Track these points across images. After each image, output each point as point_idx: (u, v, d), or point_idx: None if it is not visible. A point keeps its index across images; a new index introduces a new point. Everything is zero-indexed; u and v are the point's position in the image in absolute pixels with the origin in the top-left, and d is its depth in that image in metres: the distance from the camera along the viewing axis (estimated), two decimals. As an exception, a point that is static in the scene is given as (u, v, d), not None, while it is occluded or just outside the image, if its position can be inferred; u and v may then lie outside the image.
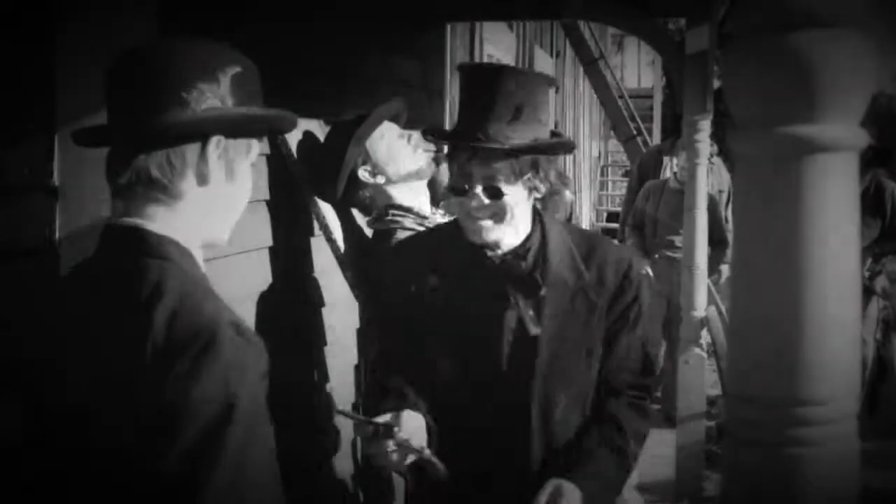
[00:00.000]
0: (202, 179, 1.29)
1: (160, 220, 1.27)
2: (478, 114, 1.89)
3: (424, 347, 1.93)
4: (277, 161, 2.54)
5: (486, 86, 1.90)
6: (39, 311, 1.33)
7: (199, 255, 1.32)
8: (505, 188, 1.89)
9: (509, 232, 1.95)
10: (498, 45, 6.70)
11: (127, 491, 1.18)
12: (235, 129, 1.30)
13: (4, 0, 1.72)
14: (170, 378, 1.14)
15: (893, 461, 4.83)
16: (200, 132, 1.26)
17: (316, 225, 2.73)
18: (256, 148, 1.38)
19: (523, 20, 7.54)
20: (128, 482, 1.17)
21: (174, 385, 1.14)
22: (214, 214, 1.34)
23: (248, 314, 2.41)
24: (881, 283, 5.81)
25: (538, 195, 1.96)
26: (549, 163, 1.93)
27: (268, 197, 2.51)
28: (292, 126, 1.44)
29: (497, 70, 1.97)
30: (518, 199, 1.92)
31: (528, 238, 1.97)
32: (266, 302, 2.46)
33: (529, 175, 1.90)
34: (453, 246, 1.98)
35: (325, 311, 2.79)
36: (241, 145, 1.34)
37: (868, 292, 5.63)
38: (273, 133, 1.44)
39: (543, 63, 9.12)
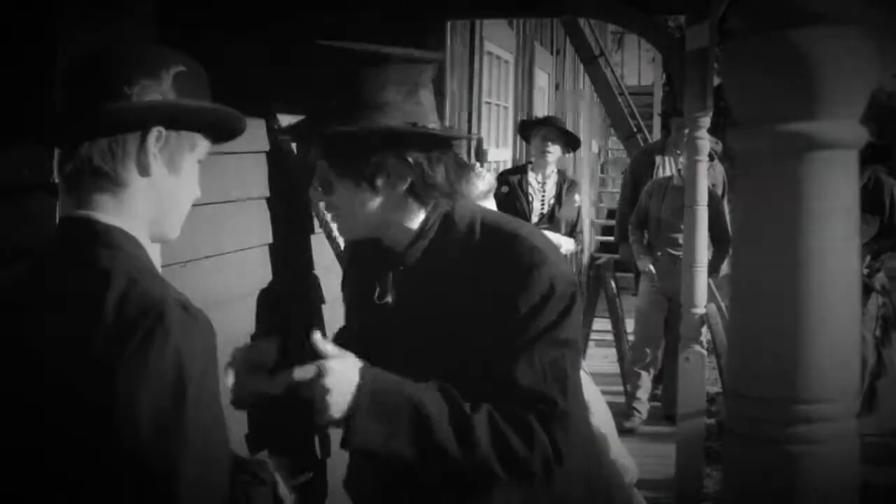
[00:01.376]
0: (143, 170, 1.34)
1: (107, 210, 1.32)
2: (317, 98, 1.70)
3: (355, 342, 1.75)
4: (277, 159, 2.54)
5: (322, 67, 1.70)
6: None
7: (146, 245, 1.37)
8: (334, 182, 1.68)
9: (366, 228, 1.73)
10: (498, 42, 6.70)
11: (89, 481, 1.22)
12: (174, 120, 1.36)
13: (4, 1, 1.72)
14: (122, 360, 1.19)
15: (893, 457, 4.83)
16: (139, 121, 1.32)
17: (316, 223, 2.73)
18: (203, 146, 1.42)
19: (523, 18, 7.54)
20: (88, 472, 1.22)
21: (126, 365, 1.19)
22: (159, 207, 1.38)
23: (247, 311, 2.41)
24: (880, 280, 5.80)
25: (384, 192, 1.67)
26: (393, 157, 1.65)
27: (268, 194, 2.51)
28: (240, 124, 1.47)
29: (334, 50, 1.68)
30: (352, 195, 1.67)
31: (417, 235, 1.71)
32: (266, 299, 2.46)
33: (366, 169, 1.64)
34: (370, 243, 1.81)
35: (324, 308, 2.79)
36: (184, 139, 1.38)
37: (867, 289, 5.63)
38: (224, 132, 1.47)
39: (543, 60, 9.12)
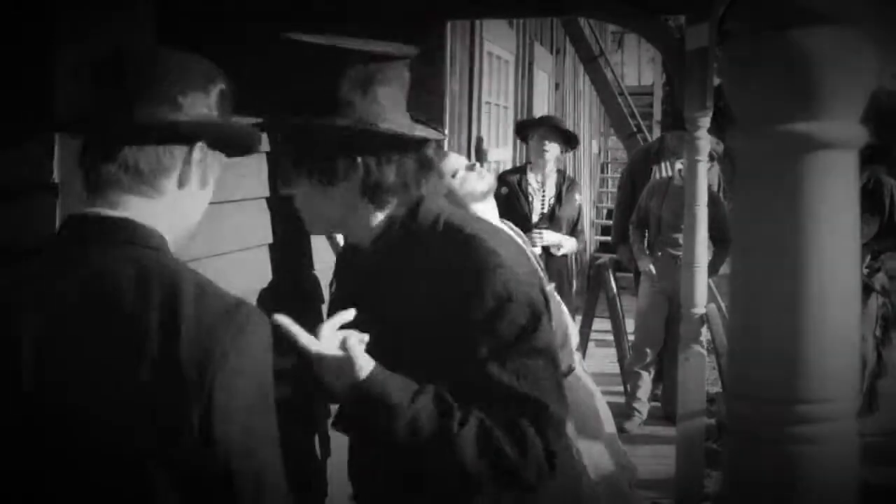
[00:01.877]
0: (183, 182, 1.35)
1: (143, 215, 1.32)
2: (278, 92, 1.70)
3: None
4: (277, 158, 2.54)
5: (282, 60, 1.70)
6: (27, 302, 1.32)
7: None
8: (292, 177, 1.68)
9: (330, 226, 1.75)
10: (498, 42, 6.70)
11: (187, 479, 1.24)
12: (218, 139, 1.39)
13: (4, 1, 1.72)
14: (214, 357, 1.22)
15: (893, 458, 4.83)
16: (193, 136, 1.34)
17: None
18: (222, 166, 1.44)
19: (523, 17, 7.54)
20: (181, 468, 1.24)
21: (223, 360, 1.22)
22: (183, 218, 1.40)
23: (248, 312, 2.41)
24: (880, 280, 5.80)
25: (345, 188, 1.65)
26: (338, 154, 1.62)
27: (268, 194, 2.51)
28: (258, 144, 1.49)
29: (289, 42, 1.68)
30: (309, 190, 1.67)
31: (377, 235, 1.70)
32: (266, 299, 2.46)
33: (317, 166, 1.63)
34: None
35: (324, 308, 2.79)
36: (217, 156, 1.41)
37: (867, 289, 5.62)
38: (248, 151, 1.48)
39: (543, 60, 9.12)
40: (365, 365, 1.56)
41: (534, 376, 1.58)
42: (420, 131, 1.67)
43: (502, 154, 6.74)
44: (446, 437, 1.55)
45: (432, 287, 1.62)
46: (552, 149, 5.41)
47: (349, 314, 1.63)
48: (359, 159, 1.62)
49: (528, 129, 5.59)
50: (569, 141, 5.64)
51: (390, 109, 1.63)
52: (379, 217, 1.68)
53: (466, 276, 1.59)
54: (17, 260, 1.72)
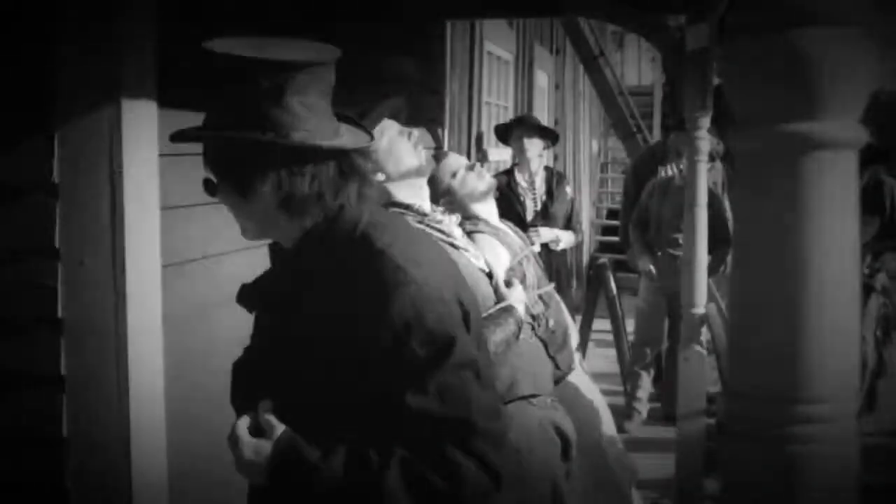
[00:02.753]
0: None
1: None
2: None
3: None
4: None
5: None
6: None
7: None
8: (217, 183, 1.64)
9: (259, 233, 1.69)
10: (498, 42, 6.70)
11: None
12: None
13: (5, 1, 1.72)
14: None
15: (893, 457, 4.83)
16: None
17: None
18: None
19: (523, 17, 7.54)
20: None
21: None
22: None
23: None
24: (881, 280, 5.80)
25: (260, 198, 1.61)
26: (256, 166, 1.58)
27: (268, 195, 2.51)
28: None
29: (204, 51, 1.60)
30: (229, 199, 1.64)
31: (295, 244, 1.65)
32: (266, 300, 2.46)
33: (229, 176, 1.60)
34: None
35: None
36: None
37: (867, 289, 5.62)
38: None
39: (543, 60, 9.12)
40: (260, 448, 1.54)
41: (455, 395, 1.49)
42: (343, 139, 1.62)
43: (502, 154, 6.74)
44: (370, 487, 1.49)
45: (339, 304, 1.55)
46: (533, 147, 5.45)
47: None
48: (269, 171, 1.56)
49: (506, 132, 5.62)
50: (546, 135, 5.67)
51: (305, 118, 1.57)
52: (299, 227, 1.63)
53: (371, 295, 1.52)
54: (16, 261, 1.72)
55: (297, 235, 1.64)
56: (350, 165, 1.63)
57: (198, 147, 2.13)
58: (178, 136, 1.66)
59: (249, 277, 2.41)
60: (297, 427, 1.55)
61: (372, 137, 1.72)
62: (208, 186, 1.64)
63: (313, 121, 1.58)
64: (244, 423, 1.56)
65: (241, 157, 1.58)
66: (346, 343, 1.53)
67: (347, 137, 1.63)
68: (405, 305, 1.50)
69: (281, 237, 1.67)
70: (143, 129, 1.79)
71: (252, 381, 1.66)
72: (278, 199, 1.59)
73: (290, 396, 1.58)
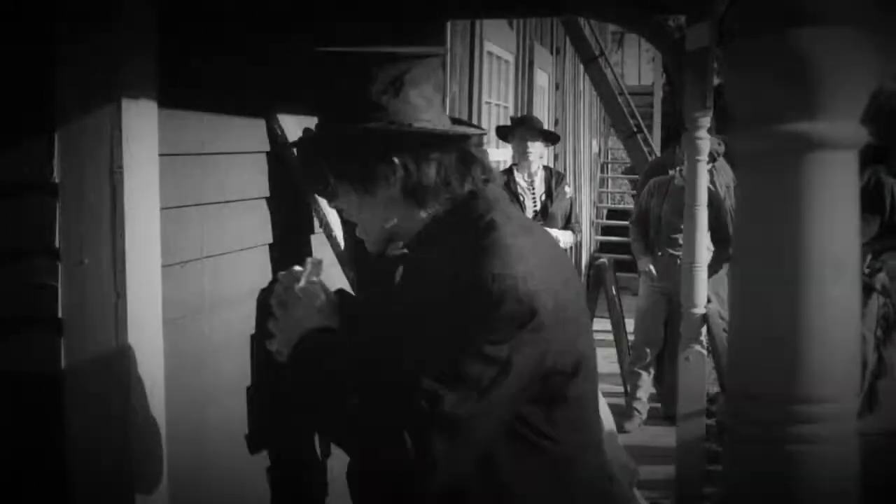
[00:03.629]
0: None
1: None
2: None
3: None
4: (278, 158, 2.54)
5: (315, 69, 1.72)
6: None
7: None
8: (335, 186, 1.67)
9: (372, 234, 1.71)
10: (498, 42, 6.70)
11: None
12: None
13: (5, 1, 1.72)
14: None
15: (893, 457, 4.83)
16: None
17: (316, 222, 2.73)
18: None
19: (524, 17, 7.54)
20: None
21: None
22: None
23: (248, 311, 2.41)
24: (881, 279, 5.80)
25: (387, 192, 1.64)
26: (379, 160, 1.62)
27: (268, 194, 2.51)
28: None
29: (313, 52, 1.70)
30: (352, 199, 1.67)
31: (419, 232, 1.68)
32: (266, 299, 2.46)
33: (355, 172, 1.63)
34: None
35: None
36: None
37: (868, 289, 5.62)
38: None
39: (543, 60, 9.12)
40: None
41: (458, 373, 1.49)
42: (461, 128, 1.68)
43: (502, 154, 6.73)
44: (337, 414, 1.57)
45: (439, 285, 1.56)
46: (534, 148, 5.46)
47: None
48: (396, 161, 1.59)
49: (507, 131, 5.62)
50: (548, 138, 5.68)
51: (424, 109, 1.62)
52: (420, 219, 1.65)
53: (468, 276, 1.52)
54: (16, 261, 1.72)
55: (417, 228, 1.66)
56: (470, 154, 1.66)
57: (198, 147, 2.13)
58: (302, 142, 1.70)
59: (250, 277, 2.41)
60: None
61: (483, 130, 1.76)
62: (326, 191, 1.67)
63: (431, 112, 1.63)
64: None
65: (368, 151, 1.60)
66: (427, 320, 1.54)
67: (461, 128, 1.68)
68: (512, 297, 1.49)
69: (400, 232, 1.68)
70: (143, 129, 1.79)
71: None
72: (406, 189, 1.61)
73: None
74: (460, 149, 1.65)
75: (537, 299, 1.51)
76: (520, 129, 5.49)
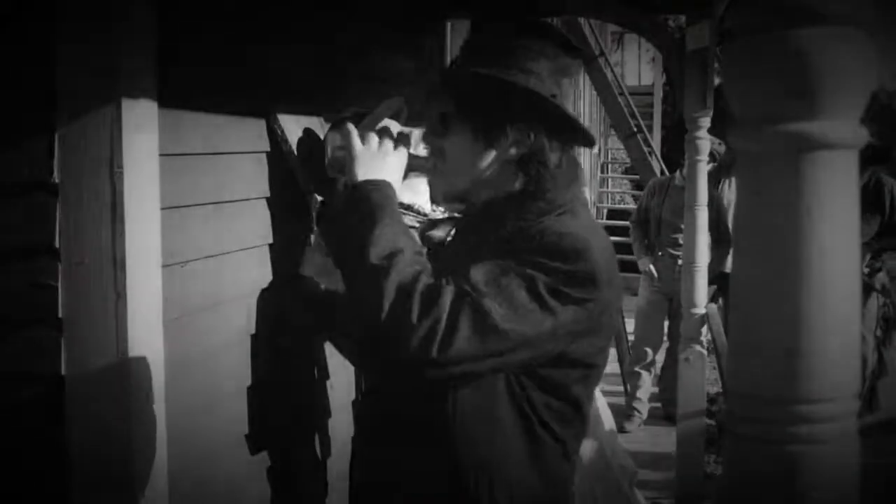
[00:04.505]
0: None
1: None
2: (463, 47, 1.76)
3: None
4: (277, 158, 2.54)
5: (486, 25, 1.77)
6: None
7: None
8: (452, 125, 1.69)
9: (459, 188, 1.73)
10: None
11: None
12: None
13: (5, 0, 1.72)
14: None
15: (893, 457, 4.83)
16: None
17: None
18: None
19: (524, 17, 7.53)
20: None
21: None
22: None
23: (248, 311, 2.41)
24: (881, 279, 5.81)
25: (503, 153, 1.67)
26: (519, 122, 1.65)
27: (268, 194, 2.51)
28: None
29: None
30: (467, 148, 1.68)
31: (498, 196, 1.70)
32: (266, 299, 2.46)
33: (490, 122, 1.65)
34: None
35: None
36: None
37: (868, 289, 5.63)
38: None
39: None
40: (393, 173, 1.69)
41: (505, 290, 1.50)
42: (585, 127, 1.72)
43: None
44: (389, 259, 1.51)
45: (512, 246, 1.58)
46: None
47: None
48: (532, 133, 1.65)
49: None
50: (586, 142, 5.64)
51: (569, 102, 1.69)
52: (502, 187, 1.69)
53: (548, 234, 1.57)
54: (16, 261, 1.72)
55: (489, 197, 1.70)
56: (575, 160, 1.74)
57: (199, 146, 2.13)
58: (449, 77, 1.75)
59: (250, 276, 2.41)
60: None
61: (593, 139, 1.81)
62: (444, 121, 1.70)
63: (571, 109, 1.71)
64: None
65: (506, 105, 1.64)
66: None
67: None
68: (580, 258, 1.54)
69: (481, 193, 1.71)
70: (143, 129, 1.79)
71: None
72: (524, 159, 1.66)
73: None
74: (569, 152, 1.72)
75: (598, 276, 1.56)
76: None
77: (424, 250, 1.62)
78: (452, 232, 1.80)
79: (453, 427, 1.62)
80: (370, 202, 1.59)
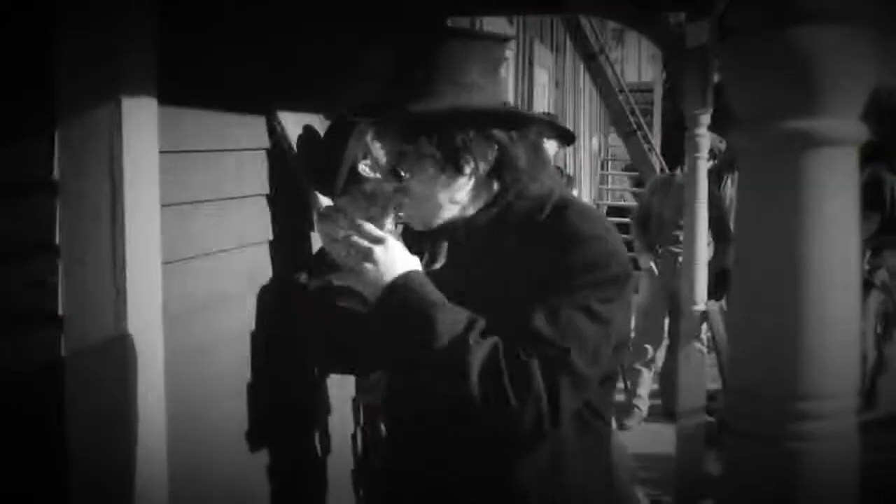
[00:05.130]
0: None
1: None
2: (385, 81, 1.67)
3: None
4: (277, 155, 2.54)
5: (397, 46, 1.68)
6: None
7: None
8: (407, 170, 1.65)
9: (440, 217, 1.70)
10: (498, 39, 6.69)
11: None
12: None
13: (4, 0, 1.72)
14: None
15: (893, 455, 4.83)
16: None
17: (316, 220, 2.73)
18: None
19: (524, 15, 7.54)
20: None
21: None
22: None
23: (248, 309, 2.41)
24: (881, 276, 5.81)
25: (471, 175, 1.66)
26: (480, 139, 1.62)
27: (268, 191, 2.51)
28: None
29: (405, 28, 1.71)
30: (432, 181, 1.65)
31: (480, 211, 1.70)
32: (266, 298, 2.46)
33: (444, 154, 1.62)
34: None
35: (325, 306, 2.78)
36: None
37: (868, 286, 5.63)
38: None
39: (544, 58, 9.11)
40: (413, 261, 1.61)
41: (575, 331, 1.54)
42: (541, 114, 1.76)
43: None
44: (457, 345, 1.51)
45: (532, 253, 1.61)
46: (549, 147, 5.44)
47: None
48: (498, 138, 1.64)
49: None
50: (566, 138, 5.65)
51: (506, 91, 1.67)
52: (481, 199, 1.70)
53: (571, 240, 1.58)
54: (16, 260, 1.72)
55: (477, 207, 1.69)
56: (539, 142, 1.73)
57: (198, 144, 2.13)
58: (391, 118, 1.66)
59: (250, 275, 2.41)
60: None
61: (554, 116, 1.79)
62: (402, 169, 1.65)
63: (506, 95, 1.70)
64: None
65: (471, 129, 1.62)
66: (521, 282, 1.58)
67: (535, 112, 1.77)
68: (598, 253, 1.58)
69: (462, 210, 1.69)
70: (143, 127, 1.79)
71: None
72: (495, 168, 1.66)
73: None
74: (536, 134, 1.71)
75: (626, 265, 1.62)
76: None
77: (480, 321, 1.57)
78: (443, 251, 1.76)
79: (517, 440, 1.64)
80: (415, 297, 1.57)
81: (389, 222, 1.64)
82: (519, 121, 1.66)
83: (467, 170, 1.64)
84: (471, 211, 1.70)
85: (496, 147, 1.63)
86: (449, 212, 1.69)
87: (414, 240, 1.75)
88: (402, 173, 1.64)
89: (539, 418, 1.51)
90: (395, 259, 1.59)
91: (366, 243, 1.59)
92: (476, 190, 1.68)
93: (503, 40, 1.67)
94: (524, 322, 1.54)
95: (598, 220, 1.66)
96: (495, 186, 1.68)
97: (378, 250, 1.58)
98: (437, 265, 1.71)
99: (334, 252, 1.67)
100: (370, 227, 1.60)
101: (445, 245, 1.73)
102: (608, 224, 1.68)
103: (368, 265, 1.58)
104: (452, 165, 1.63)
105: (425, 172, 1.64)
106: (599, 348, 1.57)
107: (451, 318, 1.54)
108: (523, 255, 1.62)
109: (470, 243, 1.71)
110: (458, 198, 1.67)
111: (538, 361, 1.51)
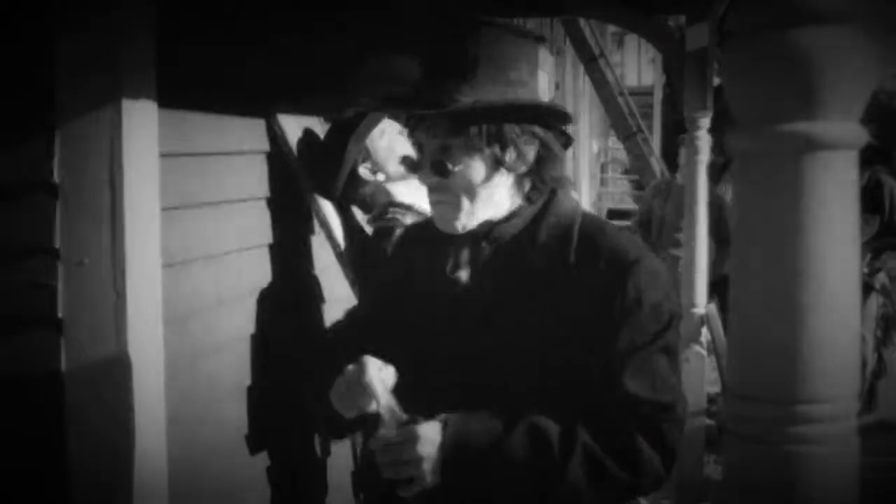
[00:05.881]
0: None
1: None
2: (428, 74, 1.63)
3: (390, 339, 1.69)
4: (277, 158, 2.54)
5: (441, 41, 1.65)
6: None
7: None
8: (454, 163, 1.60)
9: (476, 217, 1.64)
10: (498, 42, 6.69)
11: None
12: None
13: (4, 1, 1.72)
14: None
15: (893, 457, 4.83)
16: None
17: (316, 222, 2.73)
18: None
19: (524, 18, 7.54)
20: None
21: None
22: None
23: (248, 311, 2.41)
24: (881, 279, 5.80)
25: (513, 171, 1.63)
26: (525, 135, 1.61)
27: (268, 194, 2.51)
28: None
29: (454, 23, 1.65)
30: (478, 176, 1.60)
31: (511, 214, 1.66)
32: (266, 299, 2.46)
33: (491, 148, 1.59)
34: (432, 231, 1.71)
35: (325, 307, 2.79)
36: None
37: (868, 289, 5.62)
38: None
39: (543, 61, 9.11)
40: (432, 434, 1.49)
41: (661, 377, 1.52)
42: (567, 112, 1.74)
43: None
44: (552, 474, 1.47)
45: (569, 277, 1.57)
46: None
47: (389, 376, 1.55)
48: (537, 136, 1.63)
49: None
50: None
51: (544, 91, 1.68)
52: (519, 201, 1.67)
53: (613, 269, 1.54)
54: (16, 260, 1.72)
55: (509, 209, 1.65)
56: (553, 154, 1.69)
57: (198, 147, 2.13)
58: (455, 112, 1.60)
59: (249, 277, 2.41)
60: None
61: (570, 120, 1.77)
62: (443, 166, 1.61)
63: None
64: (392, 423, 1.49)
65: (515, 125, 1.61)
66: (565, 320, 1.55)
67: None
68: (643, 278, 1.54)
69: (474, 219, 1.64)
70: (142, 129, 1.79)
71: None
72: (538, 168, 1.65)
73: (477, 376, 1.58)
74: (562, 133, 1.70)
75: (670, 291, 1.60)
76: None
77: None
78: (464, 256, 1.69)
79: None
80: (473, 454, 1.50)
81: (386, 398, 1.53)
82: (566, 119, 1.68)
83: (513, 166, 1.62)
84: (503, 212, 1.66)
85: (538, 144, 1.63)
86: (482, 212, 1.64)
87: (437, 244, 1.71)
88: (449, 167, 1.59)
89: (658, 480, 1.53)
90: (427, 440, 1.48)
91: (404, 457, 1.49)
92: (513, 188, 1.66)
93: (544, 41, 1.69)
94: (606, 377, 1.52)
95: (635, 244, 1.62)
96: (527, 187, 1.66)
97: (417, 450, 1.48)
98: (461, 273, 1.67)
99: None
100: (398, 450, 1.50)
101: (468, 252, 1.67)
102: (638, 240, 1.66)
103: (423, 467, 1.48)
104: (499, 161, 1.61)
105: (472, 166, 1.61)
106: (676, 382, 1.57)
107: (519, 455, 1.48)
108: (556, 281, 1.58)
109: (495, 255, 1.66)
110: (496, 197, 1.64)
111: (636, 422, 1.50)
